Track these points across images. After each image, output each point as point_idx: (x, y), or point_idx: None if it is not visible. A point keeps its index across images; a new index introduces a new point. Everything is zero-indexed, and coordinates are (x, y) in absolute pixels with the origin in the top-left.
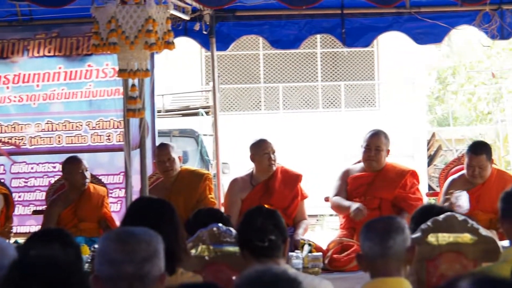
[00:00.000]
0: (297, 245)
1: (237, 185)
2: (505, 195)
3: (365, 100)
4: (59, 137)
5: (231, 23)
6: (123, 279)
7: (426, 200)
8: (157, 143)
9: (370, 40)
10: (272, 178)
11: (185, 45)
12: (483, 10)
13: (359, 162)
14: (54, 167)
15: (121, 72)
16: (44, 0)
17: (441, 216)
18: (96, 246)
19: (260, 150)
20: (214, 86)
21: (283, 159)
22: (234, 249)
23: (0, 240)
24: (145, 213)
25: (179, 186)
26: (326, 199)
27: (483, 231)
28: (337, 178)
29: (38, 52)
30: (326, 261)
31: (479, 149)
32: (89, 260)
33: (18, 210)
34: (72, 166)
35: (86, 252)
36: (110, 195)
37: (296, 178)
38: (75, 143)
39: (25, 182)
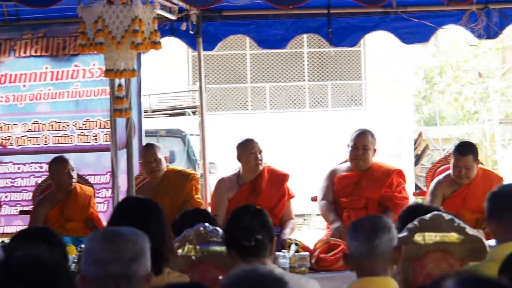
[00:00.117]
0: (284, 245)
1: (224, 185)
2: (492, 195)
3: (352, 100)
4: (45, 137)
5: (218, 23)
6: (110, 279)
7: (412, 199)
8: (144, 143)
9: (357, 40)
10: (259, 178)
11: (172, 45)
12: (469, 9)
13: (345, 161)
14: (41, 167)
15: (108, 72)
16: (30, 0)
17: (428, 216)
18: (82, 246)
19: (247, 150)
20: (200, 86)
21: (270, 159)
22: (221, 248)
23: None
24: (132, 212)
25: (165, 186)
26: (313, 199)
27: (470, 230)
28: (324, 179)
29: (25, 52)
30: (313, 261)
31: (466, 150)
32: (76, 260)
33: (5, 210)
34: (58, 166)
35: (72, 252)
36: (96, 195)
37: (283, 177)
38: (62, 143)
39: (11, 182)
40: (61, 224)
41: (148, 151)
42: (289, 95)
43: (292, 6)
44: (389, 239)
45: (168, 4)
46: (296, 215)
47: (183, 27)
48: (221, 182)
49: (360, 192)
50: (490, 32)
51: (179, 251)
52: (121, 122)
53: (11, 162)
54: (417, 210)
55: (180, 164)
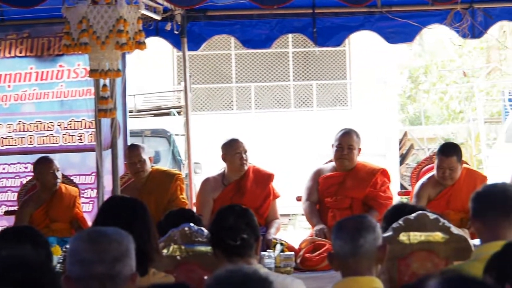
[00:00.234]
0: (269, 245)
1: (209, 185)
2: (476, 195)
3: (337, 100)
4: (30, 138)
5: (203, 23)
6: (94, 279)
7: (397, 199)
8: (129, 143)
9: (342, 40)
10: (244, 178)
11: (157, 45)
12: (454, 9)
13: (330, 161)
14: (26, 168)
15: (93, 72)
16: (15, 0)
17: (413, 215)
18: (67, 246)
19: (232, 150)
20: (185, 86)
21: (255, 159)
22: (206, 248)
23: None
24: (118, 212)
25: (150, 186)
26: (298, 199)
27: (455, 230)
28: (308, 179)
29: (10, 53)
30: (298, 261)
31: (449, 151)
32: (61, 261)
33: None
34: (43, 166)
35: (58, 253)
36: (82, 195)
37: (268, 177)
38: (46, 144)
39: None
40: (46, 225)
41: (133, 152)
42: (274, 95)
43: (276, 6)
44: (373, 239)
45: (152, 4)
46: (281, 215)
47: (168, 27)
48: (206, 182)
49: (345, 192)
50: (475, 32)
51: (164, 251)
52: (106, 122)
53: None
54: (402, 210)
55: (165, 164)
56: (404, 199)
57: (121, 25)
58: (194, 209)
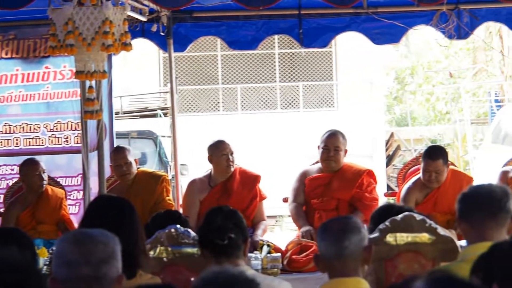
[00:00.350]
0: (256, 246)
1: (195, 187)
2: (462, 196)
3: (323, 101)
4: (16, 140)
5: (189, 24)
6: (81, 281)
7: (384, 200)
8: (115, 145)
9: (328, 41)
10: (230, 179)
11: (143, 46)
12: (440, 10)
13: (316, 163)
14: (12, 170)
15: (78, 73)
16: (0, 2)
17: (399, 216)
18: (54, 248)
19: (218, 151)
20: (172, 88)
21: (241, 160)
22: (193, 250)
23: None
24: (105, 211)
25: (136, 188)
26: (285, 200)
27: (441, 231)
28: (295, 180)
29: None
30: (285, 262)
31: (435, 154)
32: (47, 263)
33: None
34: (29, 168)
35: (44, 255)
36: (68, 197)
37: (255, 179)
38: (33, 145)
39: None
40: (33, 227)
41: (119, 154)
42: (261, 96)
43: (262, 7)
44: (358, 240)
45: (138, 5)
46: (268, 217)
47: (154, 28)
48: (192, 184)
49: (331, 193)
50: (461, 33)
51: (151, 252)
52: (92, 124)
53: None
54: (390, 211)
55: (151, 166)
56: (391, 200)
57: (107, 27)
58: (181, 210)
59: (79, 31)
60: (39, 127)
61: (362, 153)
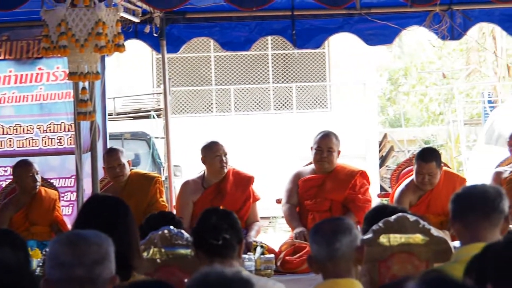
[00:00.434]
0: (249, 247)
1: (189, 188)
2: (455, 197)
3: (316, 102)
4: (10, 141)
5: (182, 26)
6: (74, 282)
7: (377, 201)
8: (108, 146)
9: (321, 42)
10: (223, 181)
11: (136, 47)
12: (433, 10)
13: (309, 164)
14: (6, 171)
15: (72, 75)
16: None
17: (393, 217)
18: (47, 249)
19: (212, 153)
20: (165, 89)
21: (235, 161)
22: (186, 251)
23: None
24: (100, 211)
25: (129, 190)
26: (278, 201)
27: (435, 232)
28: (288, 181)
29: None
30: (278, 263)
31: (429, 157)
32: (40, 264)
33: None
34: (22, 169)
35: (37, 256)
36: (61, 198)
37: (248, 180)
38: (26, 147)
39: None
40: (26, 228)
41: (112, 156)
42: (254, 97)
43: (255, 8)
44: (350, 241)
45: (131, 6)
46: (262, 218)
47: (147, 29)
48: (185, 185)
49: (324, 194)
50: (454, 33)
51: (144, 254)
52: (85, 125)
53: None
54: (383, 211)
55: (145, 167)
56: (384, 201)
57: (100, 28)
58: (174, 212)
59: (72, 32)
60: (32, 129)
61: (356, 154)
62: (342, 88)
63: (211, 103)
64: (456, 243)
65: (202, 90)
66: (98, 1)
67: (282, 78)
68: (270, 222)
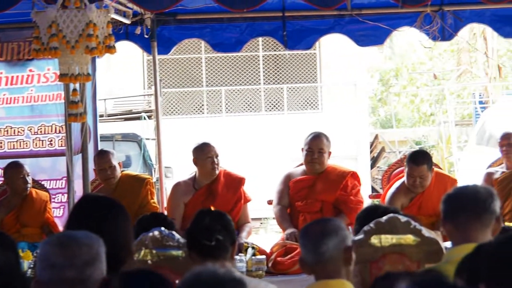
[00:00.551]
0: (240, 248)
1: (180, 189)
2: (447, 197)
3: (307, 103)
4: (1, 143)
5: (172, 27)
6: (65, 283)
7: (368, 202)
8: (99, 148)
9: (312, 43)
10: (215, 182)
11: (127, 49)
12: (424, 11)
13: (300, 165)
14: None
15: (62, 76)
16: None
17: (384, 218)
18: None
19: (203, 154)
20: (156, 90)
21: (226, 163)
22: (177, 253)
23: None
24: (91, 211)
25: (120, 191)
26: (269, 202)
27: (426, 232)
28: (279, 183)
29: None
30: (269, 264)
31: (420, 160)
32: (32, 266)
33: None
34: (13, 171)
35: (28, 258)
36: (52, 200)
37: (239, 181)
38: (17, 149)
39: None
40: (17, 230)
41: (103, 158)
42: (245, 98)
43: (246, 10)
44: (337, 243)
45: (122, 8)
46: (253, 219)
47: (138, 31)
48: (176, 186)
49: (315, 195)
50: (445, 34)
51: (135, 255)
52: (76, 126)
53: None
54: (375, 212)
55: (136, 169)
56: (376, 202)
57: (90, 30)
58: (165, 213)
59: (63, 34)
60: (23, 130)
61: (347, 155)
62: (333, 89)
63: (202, 105)
64: (448, 244)
65: (193, 92)
66: (89, 2)
67: (273, 79)
68: (261, 223)
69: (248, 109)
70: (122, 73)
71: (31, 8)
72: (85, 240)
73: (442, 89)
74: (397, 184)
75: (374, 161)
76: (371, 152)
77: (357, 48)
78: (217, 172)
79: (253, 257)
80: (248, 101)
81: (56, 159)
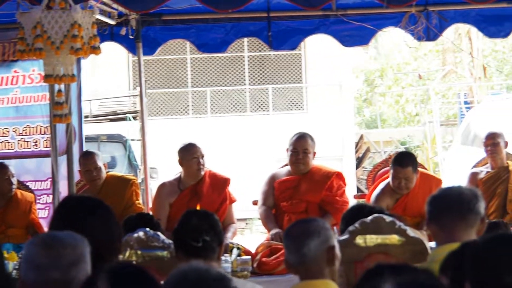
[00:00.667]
0: (226, 249)
1: (165, 190)
2: (432, 199)
3: (293, 103)
4: None
5: (158, 28)
6: (50, 284)
7: (353, 202)
8: (84, 149)
9: (297, 43)
10: (200, 183)
11: (112, 50)
12: (409, 11)
13: (285, 165)
14: None
15: (47, 77)
16: None
17: (369, 218)
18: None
19: (189, 155)
20: (141, 91)
21: (211, 163)
22: (162, 253)
23: None
24: (75, 211)
25: (105, 192)
26: (255, 203)
27: (411, 232)
28: (264, 183)
29: None
30: (255, 265)
31: (405, 162)
32: (17, 267)
33: None
34: None
35: (13, 259)
36: (37, 201)
37: (224, 182)
38: (2, 150)
39: None
40: (2, 231)
41: (88, 160)
42: (230, 99)
43: (231, 10)
44: (319, 244)
45: (107, 9)
46: (238, 219)
47: (123, 31)
48: (162, 187)
49: (300, 195)
50: (430, 34)
51: (120, 256)
52: (61, 127)
53: None
54: (361, 211)
55: (121, 169)
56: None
57: (75, 30)
58: (151, 214)
59: (47, 34)
60: (8, 131)
61: (332, 155)
62: (318, 89)
63: (187, 105)
64: (433, 244)
65: (178, 92)
66: (74, 3)
67: (258, 80)
68: (246, 223)
69: (233, 110)
70: (107, 74)
71: (16, 9)
72: (69, 240)
73: (427, 89)
74: (382, 185)
75: (359, 161)
76: (356, 152)
77: (342, 49)
78: (202, 172)
79: (238, 258)
80: (233, 101)
81: (41, 160)
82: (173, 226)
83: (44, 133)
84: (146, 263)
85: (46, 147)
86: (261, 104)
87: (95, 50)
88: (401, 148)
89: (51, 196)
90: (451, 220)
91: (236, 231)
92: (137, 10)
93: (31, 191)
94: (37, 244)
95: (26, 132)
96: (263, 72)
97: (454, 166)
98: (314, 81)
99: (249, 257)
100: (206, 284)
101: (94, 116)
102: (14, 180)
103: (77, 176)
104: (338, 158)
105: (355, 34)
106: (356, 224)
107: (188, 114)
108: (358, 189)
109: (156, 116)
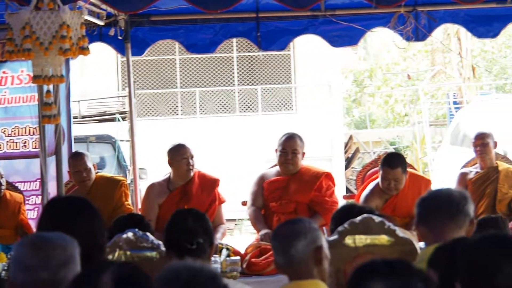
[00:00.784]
0: (215, 250)
1: (154, 190)
2: (421, 201)
3: (282, 104)
4: None
5: (146, 28)
6: (39, 285)
7: (343, 202)
8: (73, 150)
9: (286, 43)
10: (189, 183)
11: (100, 50)
12: (398, 12)
13: (274, 166)
14: None
15: (36, 78)
16: None
17: (358, 218)
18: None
19: (178, 155)
20: (130, 92)
21: (200, 164)
22: (152, 254)
23: None
24: (62, 212)
25: (95, 193)
26: (244, 203)
27: (400, 233)
28: (253, 184)
29: None
30: (244, 265)
31: (395, 163)
32: (6, 268)
33: None
34: None
35: (3, 260)
36: (26, 202)
37: (214, 182)
38: None
39: None
40: None
41: (78, 160)
42: (219, 99)
43: (220, 10)
44: (305, 245)
45: (96, 9)
46: (227, 220)
47: (112, 32)
48: (151, 188)
49: (289, 196)
50: (419, 35)
51: (109, 257)
52: (50, 128)
53: None
54: (351, 211)
55: (110, 170)
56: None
57: (64, 31)
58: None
59: (36, 35)
60: None
61: (321, 156)
62: (307, 90)
63: (177, 106)
64: (422, 244)
65: (167, 93)
66: (62, 4)
67: (247, 80)
68: (236, 224)
69: (222, 110)
70: (96, 74)
71: (4, 9)
72: (59, 241)
73: (416, 89)
74: (371, 186)
75: (348, 161)
76: (345, 152)
77: (331, 49)
78: (192, 173)
79: (228, 258)
80: (222, 102)
81: (30, 161)
82: (162, 226)
83: (33, 134)
84: (135, 263)
85: (35, 148)
86: (250, 105)
87: (84, 50)
88: (391, 149)
89: (40, 197)
90: (441, 222)
91: (225, 232)
92: (125, 10)
93: (20, 192)
94: (26, 245)
95: (15, 133)
96: (252, 72)
97: (443, 166)
98: (303, 81)
99: (238, 257)
100: (198, 282)
101: (83, 117)
102: (3, 181)
103: (66, 177)
104: (328, 158)
105: (344, 35)
106: (345, 225)
107: (177, 114)
108: (348, 190)
109: (145, 117)
